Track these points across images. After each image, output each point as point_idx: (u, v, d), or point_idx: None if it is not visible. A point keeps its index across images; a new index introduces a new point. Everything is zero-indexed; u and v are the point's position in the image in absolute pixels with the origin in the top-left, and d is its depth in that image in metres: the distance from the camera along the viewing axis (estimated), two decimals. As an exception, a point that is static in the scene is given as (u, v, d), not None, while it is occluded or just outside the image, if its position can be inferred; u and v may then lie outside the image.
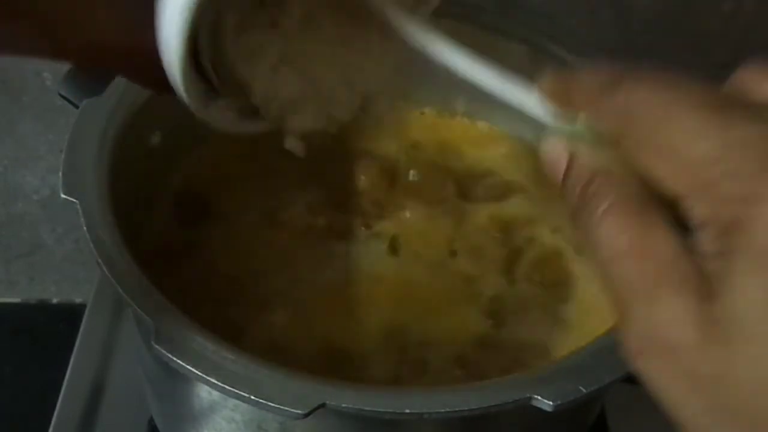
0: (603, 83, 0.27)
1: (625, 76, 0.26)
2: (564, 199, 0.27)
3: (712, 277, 0.23)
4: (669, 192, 0.24)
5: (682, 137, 0.24)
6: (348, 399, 0.35)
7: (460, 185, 0.55)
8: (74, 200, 0.42)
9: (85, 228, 0.41)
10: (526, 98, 0.32)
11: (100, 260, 0.39)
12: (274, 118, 0.38)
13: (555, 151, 0.28)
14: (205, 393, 0.41)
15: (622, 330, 0.25)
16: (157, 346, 0.36)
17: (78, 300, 0.80)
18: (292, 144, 0.38)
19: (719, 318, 0.22)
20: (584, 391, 0.36)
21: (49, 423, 0.57)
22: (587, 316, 0.49)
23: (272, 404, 0.35)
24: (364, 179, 0.54)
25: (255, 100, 0.37)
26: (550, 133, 0.29)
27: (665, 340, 0.23)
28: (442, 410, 0.36)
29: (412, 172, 0.55)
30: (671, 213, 0.25)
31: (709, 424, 0.23)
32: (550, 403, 0.36)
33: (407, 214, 0.53)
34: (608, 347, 0.39)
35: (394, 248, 0.51)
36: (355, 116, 0.36)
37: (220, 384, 0.36)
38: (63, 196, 0.42)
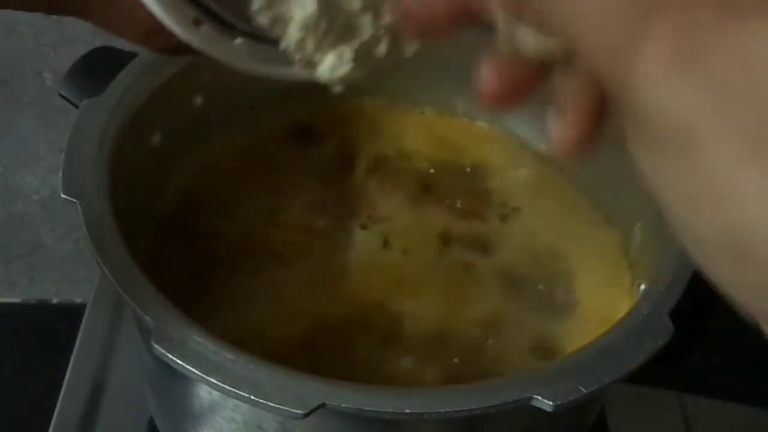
0: None
1: None
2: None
3: None
4: None
5: None
6: (348, 399, 0.35)
7: (460, 185, 0.55)
8: (74, 200, 0.42)
9: (85, 228, 0.41)
10: None
11: (100, 260, 0.39)
12: (304, 58, 0.32)
13: None
14: (205, 393, 0.41)
15: (612, 74, 0.23)
16: (157, 346, 0.36)
17: (78, 300, 0.81)
18: (336, 87, 0.34)
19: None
20: (584, 391, 0.36)
21: (49, 423, 0.57)
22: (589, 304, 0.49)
23: (272, 404, 0.35)
24: (364, 178, 0.54)
25: (288, 36, 0.31)
26: None
27: (658, 80, 0.21)
28: (442, 410, 0.36)
29: (412, 171, 0.55)
30: None
31: (711, 122, 0.21)
32: (550, 403, 0.36)
33: (406, 213, 0.53)
34: (608, 347, 0.39)
35: (387, 243, 0.51)
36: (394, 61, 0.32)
37: (220, 384, 0.36)
38: (63, 196, 0.42)
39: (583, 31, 0.23)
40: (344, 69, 0.33)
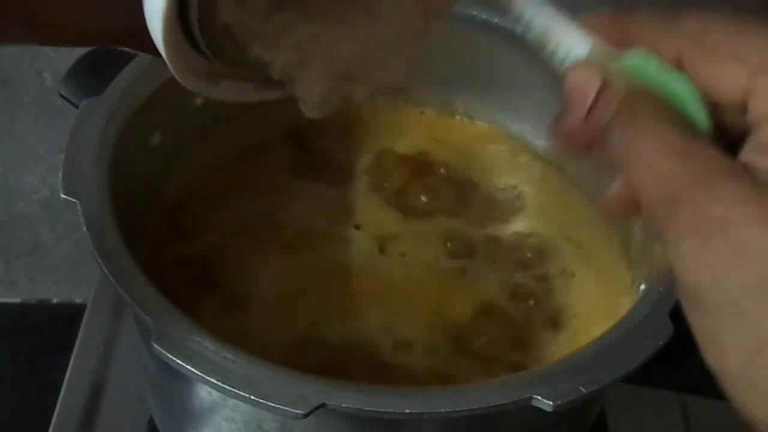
0: (664, 18, 0.29)
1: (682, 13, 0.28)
2: (588, 122, 0.28)
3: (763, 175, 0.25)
4: (731, 94, 0.27)
5: (751, 45, 0.27)
6: (348, 399, 0.35)
7: (460, 185, 0.55)
8: (74, 200, 0.42)
9: (85, 228, 0.41)
10: (562, 32, 0.30)
11: (100, 260, 0.39)
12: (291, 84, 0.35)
13: (586, 76, 0.28)
14: (205, 393, 0.41)
15: (665, 217, 0.26)
16: (157, 346, 0.36)
17: (78, 300, 0.80)
18: (311, 112, 0.35)
19: None
20: (584, 391, 0.36)
21: (49, 423, 0.57)
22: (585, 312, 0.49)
23: (272, 404, 0.35)
24: (364, 178, 0.55)
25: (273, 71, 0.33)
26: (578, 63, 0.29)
27: (721, 217, 0.24)
28: (442, 410, 0.36)
29: (411, 171, 0.55)
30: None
31: (751, 300, 0.24)
32: (550, 403, 0.36)
33: (405, 213, 0.53)
34: (608, 347, 0.39)
35: (385, 244, 0.51)
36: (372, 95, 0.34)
37: (220, 384, 0.36)
38: (63, 196, 0.42)
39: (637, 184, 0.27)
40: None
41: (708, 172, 0.25)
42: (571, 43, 0.30)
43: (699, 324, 0.25)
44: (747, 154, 0.26)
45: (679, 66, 0.28)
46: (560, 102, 0.29)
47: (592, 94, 0.28)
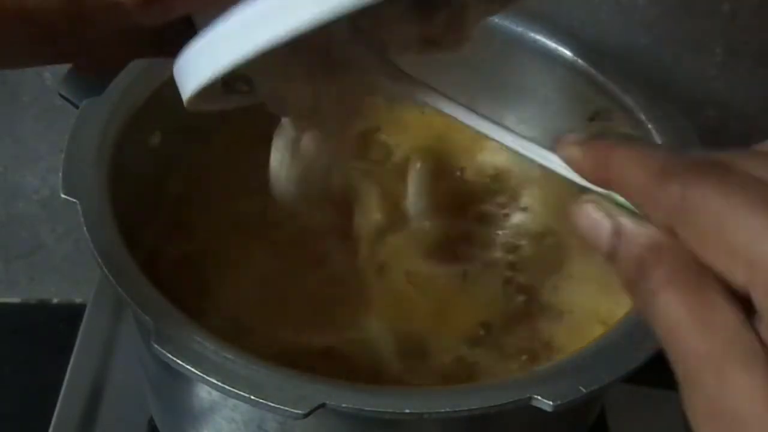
0: (652, 171, 0.26)
1: (675, 165, 0.26)
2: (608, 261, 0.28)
3: None
4: (731, 283, 0.24)
5: (746, 236, 0.24)
6: (348, 399, 0.35)
7: (460, 185, 0.55)
8: (74, 200, 0.42)
9: (85, 228, 0.41)
10: (552, 161, 0.32)
11: (100, 260, 0.39)
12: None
13: (593, 217, 0.28)
14: (205, 393, 0.41)
15: (687, 394, 0.25)
16: (157, 346, 0.36)
17: (78, 300, 0.80)
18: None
19: None
20: (584, 391, 0.36)
21: (49, 423, 0.57)
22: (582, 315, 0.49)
23: (272, 404, 0.35)
24: (363, 178, 0.54)
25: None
26: (584, 193, 0.29)
27: (734, 411, 0.23)
28: (442, 410, 0.36)
29: (411, 170, 0.55)
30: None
31: None
32: (550, 403, 0.36)
33: (405, 214, 0.53)
34: (608, 347, 0.39)
35: (385, 245, 0.51)
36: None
37: (220, 384, 0.36)
38: (63, 196, 0.42)
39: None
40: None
41: (724, 353, 0.24)
42: (560, 170, 0.31)
43: None
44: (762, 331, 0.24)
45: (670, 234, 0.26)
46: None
47: (604, 236, 0.27)
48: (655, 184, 0.26)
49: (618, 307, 0.47)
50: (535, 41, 0.53)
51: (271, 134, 0.56)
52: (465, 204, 0.54)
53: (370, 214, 0.53)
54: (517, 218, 0.54)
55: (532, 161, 0.32)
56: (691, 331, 0.24)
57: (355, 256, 0.50)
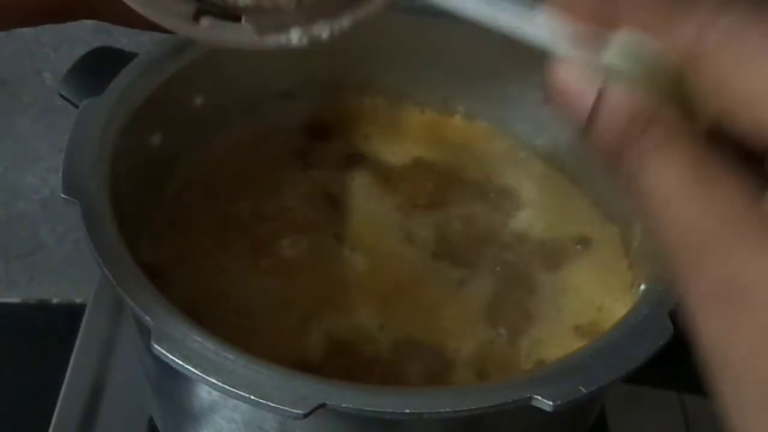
0: None
1: None
2: (586, 142, 0.24)
3: None
4: (752, 143, 0.22)
5: None
6: (348, 399, 0.35)
7: (459, 185, 0.55)
8: (74, 200, 0.42)
9: (85, 228, 0.41)
10: (525, 19, 0.25)
11: (100, 260, 0.39)
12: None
13: (574, 81, 0.24)
14: (205, 393, 0.41)
15: (684, 275, 0.22)
16: (157, 346, 0.36)
17: (78, 300, 0.81)
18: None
19: None
20: (584, 391, 0.36)
21: (49, 423, 0.57)
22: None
23: (272, 404, 0.35)
24: (363, 178, 0.55)
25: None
26: (564, 59, 0.24)
27: (742, 291, 0.21)
28: (442, 410, 0.36)
29: (411, 171, 0.55)
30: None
31: None
32: (550, 403, 0.36)
33: (404, 214, 0.53)
34: (608, 347, 0.39)
35: (385, 246, 0.51)
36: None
37: (220, 384, 0.36)
38: (63, 196, 0.42)
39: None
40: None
41: (730, 224, 0.21)
42: (537, 27, 0.25)
43: (730, 399, 0.22)
44: None
45: (692, 66, 0.22)
46: (545, 97, 0.25)
47: (586, 105, 0.23)
48: (673, 13, 0.22)
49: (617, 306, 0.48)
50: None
51: (271, 134, 0.56)
52: (466, 203, 0.54)
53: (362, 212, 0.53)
54: (516, 217, 0.54)
55: (509, 30, 0.26)
56: (694, 201, 0.21)
57: (351, 256, 0.50)
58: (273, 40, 0.31)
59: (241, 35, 0.31)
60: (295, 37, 0.31)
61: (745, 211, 0.21)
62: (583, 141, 0.23)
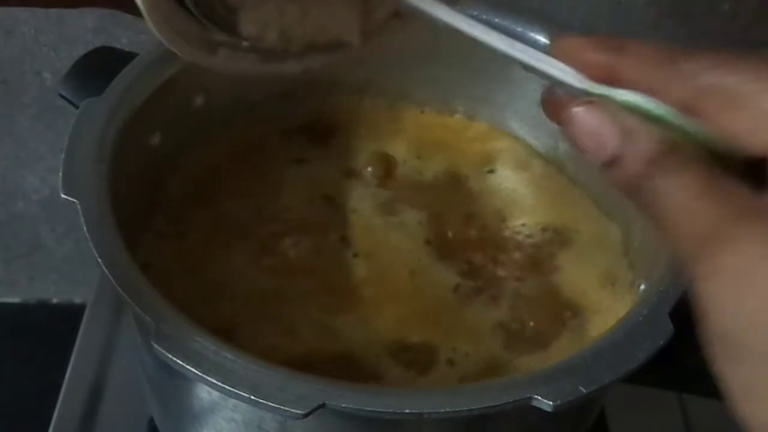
0: (667, 53, 0.27)
1: (680, 51, 0.27)
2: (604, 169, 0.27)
3: None
4: (755, 145, 0.25)
5: None
6: (348, 399, 0.35)
7: (459, 185, 0.55)
8: (74, 200, 0.42)
9: (85, 228, 0.41)
10: (543, 60, 0.29)
11: (100, 260, 0.39)
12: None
13: (596, 119, 0.27)
14: (205, 393, 0.41)
15: (696, 254, 0.25)
16: (157, 346, 0.36)
17: (78, 300, 0.81)
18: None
19: None
20: (584, 391, 0.36)
21: (49, 423, 0.57)
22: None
23: (272, 404, 0.35)
24: (363, 178, 0.55)
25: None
26: (583, 96, 0.28)
27: (758, 258, 0.23)
28: (442, 410, 0.36)
29: (411, 171, 0.55)
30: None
31: None
32: (550, 403, 0.36)
33: (404, 213, 0.53)
34: (608, 347, 0.39)
35: (384, 246, 0.51)
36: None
37: (220, 384, 0.36)
38: (63, 196, 0.42)
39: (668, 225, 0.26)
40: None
41: (741, 211, 0.24)
42: (555, 73, 0.28)
43: (733, 375, 0.24)
44: None
45: (688, 112, 0.27)
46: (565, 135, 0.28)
47: (611, 143, 0.26)
48: (672, 62, 0.27)
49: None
50: (535, 41, 0.53)
51: (271, 134, 0.56)
52: (465, 203, 0.54)
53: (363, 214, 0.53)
54: (516, 217, 0.54)
55: (527, 66, 0.30)
56: (705, 201, 0.25)
57: (350, 257, 0.50)
58: (274, 67, 0.34)
59: (249, 64, 0.34)
60: (290, 66, 0.34)
61: (745, 206, 0.25)
62: (605, 173, 0.27)
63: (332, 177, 0.55)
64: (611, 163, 0.26)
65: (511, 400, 0.36)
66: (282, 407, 0.35)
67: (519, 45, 0.30)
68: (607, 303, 0.49)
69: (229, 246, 0.50)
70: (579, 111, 0.27)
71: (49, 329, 0.77)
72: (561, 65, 0.28)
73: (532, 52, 0.30)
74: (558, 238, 0.53)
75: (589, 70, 0.28)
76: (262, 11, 0.32)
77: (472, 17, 0.32)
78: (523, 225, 0.53)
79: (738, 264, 0.23)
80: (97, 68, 0.49)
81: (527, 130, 0.57)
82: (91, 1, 0.35)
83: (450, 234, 0.52)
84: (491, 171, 0.56)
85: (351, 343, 0.46)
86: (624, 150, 0.26)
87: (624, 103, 0.27)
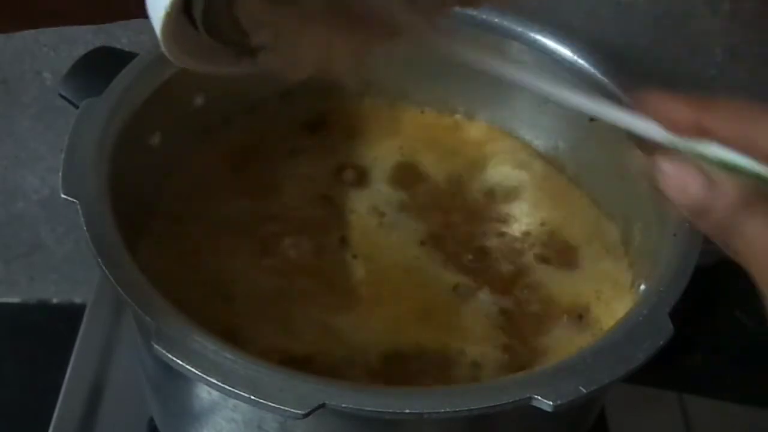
0: (749, 113, 0.29)
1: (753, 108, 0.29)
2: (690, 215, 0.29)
3: None
4: None
5: None
6: (348, 399, 0.35)
7: (459, 185, 0.55)
8: (74, 200, 0.42)
9: (85, 228, 0.41)
10: (634, 121, 0.31)
11: (100, 260, 0.40)
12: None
13: (683, 172, 0.29)
14: (205, 393, 0.41)
15: None
16: (157, 346, 0.36)
17: (78, 300, 0.80)
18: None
19: None
20: (584, 391, 0.36)
21: (49, 423, 0.57)
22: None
23: (272, 404, 0.35)
24: (363, 178, 0.55)
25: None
26: (667, 150, 0.30)
27: None
28: (442, 410, 0.36)
29: (411, 171, 0.55)
30: None
31: None
32: (550, 403, 0.36)
33: (404, 214, 0.53)
34: (608, 347, 0.39)
35: (384, 246, 0.51)
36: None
37: (220, 384, 0.36)
38: (63, 196, 0.42)
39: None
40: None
41: None
42: (641, 130, 0.30)
43: None
44: None
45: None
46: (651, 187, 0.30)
47: (694, 189, 0.28)
48: (757, 119, 0.28)
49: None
50: (535, 41, 0.53)
51: (271, 134, 0.56)
52: (465, 203, 0.54)
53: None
54: (517, 217, 0.54)
55: (609, 122, 0.32)
56: None
57: (349, 258, 0.50)
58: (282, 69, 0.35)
59: (250, 66, 0.35)
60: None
61: None
62: (695, 222, 0.29)
63: (332, 177, 0.55)
64: (700, 211, 0.28)
65: (511, 400, 0.36)
66: (282, 407, 0.35)
67: (603, 103, 0.32)
68: (607, 303, 0.49)
69: (229, 246, 0.50)
70: (665, 164, 0.29)
71: (49, 329, 0.77)
72: (644, 122, 0.30)
73: (615, 109, 0.32)
74: (558, 238, 0.53)
75: (674, 125, 0.30)
76: (277, 44, 0.33)
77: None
78: (523, 225, 0.53)
79: None
80: (97, 68, 0.49)
81: (527, 130, 0.57)
82: (126, 14, 0.36)
83: (449, 234, 0.52)
84: (491, 171, 0.56)
85: (351, 343, 0.46)
86: (711, 197, 0.28)
87: (712, 157, 0.28)
